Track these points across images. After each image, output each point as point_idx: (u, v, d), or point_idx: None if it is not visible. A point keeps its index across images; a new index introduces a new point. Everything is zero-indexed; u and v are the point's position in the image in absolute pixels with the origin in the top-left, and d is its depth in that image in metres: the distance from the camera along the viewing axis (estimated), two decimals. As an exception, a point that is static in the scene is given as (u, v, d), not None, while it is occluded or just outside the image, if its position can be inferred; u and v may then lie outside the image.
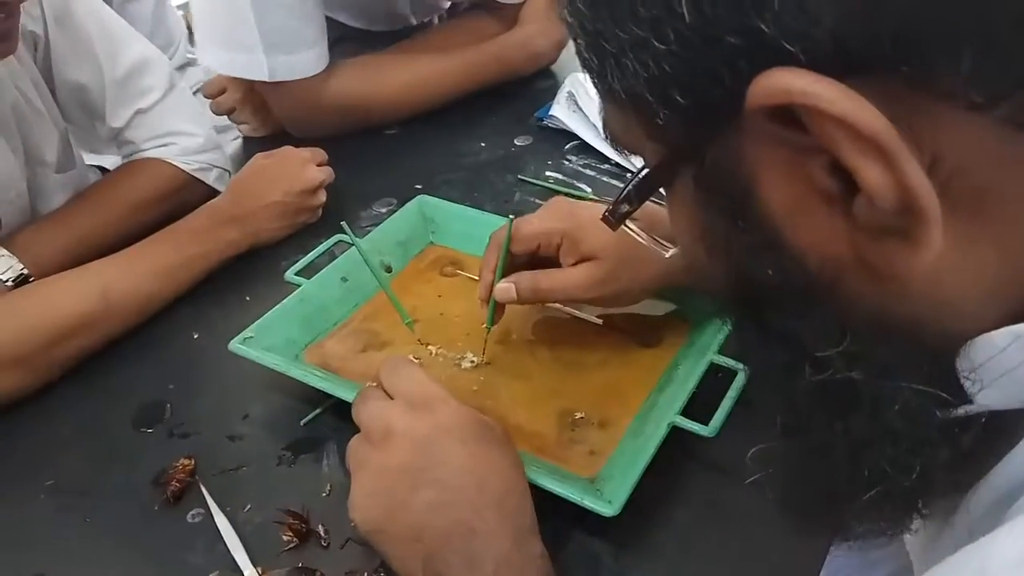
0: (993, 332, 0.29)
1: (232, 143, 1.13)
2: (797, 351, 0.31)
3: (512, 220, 0.67)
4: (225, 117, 1.12)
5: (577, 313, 0.73)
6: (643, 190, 0.36)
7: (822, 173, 0.27)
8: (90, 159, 1.03)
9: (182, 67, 1.36)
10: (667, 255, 0.46)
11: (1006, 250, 0.28)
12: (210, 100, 1.11)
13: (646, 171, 0.35)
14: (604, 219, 0.40)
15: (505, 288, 0.66)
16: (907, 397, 0.30)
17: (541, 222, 0.68)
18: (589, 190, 0.95)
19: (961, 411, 0.31)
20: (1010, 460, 0.31)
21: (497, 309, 0.69)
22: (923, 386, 0.30)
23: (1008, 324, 0.29)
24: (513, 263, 0.68)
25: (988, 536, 0.27)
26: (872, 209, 0.27)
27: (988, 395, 0.30)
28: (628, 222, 0.41)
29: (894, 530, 0.35)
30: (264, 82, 1.03)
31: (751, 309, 0.33)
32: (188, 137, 0.93)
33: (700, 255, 0.34)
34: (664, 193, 0.35)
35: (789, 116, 0.26)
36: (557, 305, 0.74)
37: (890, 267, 0.28)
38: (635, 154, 0.36)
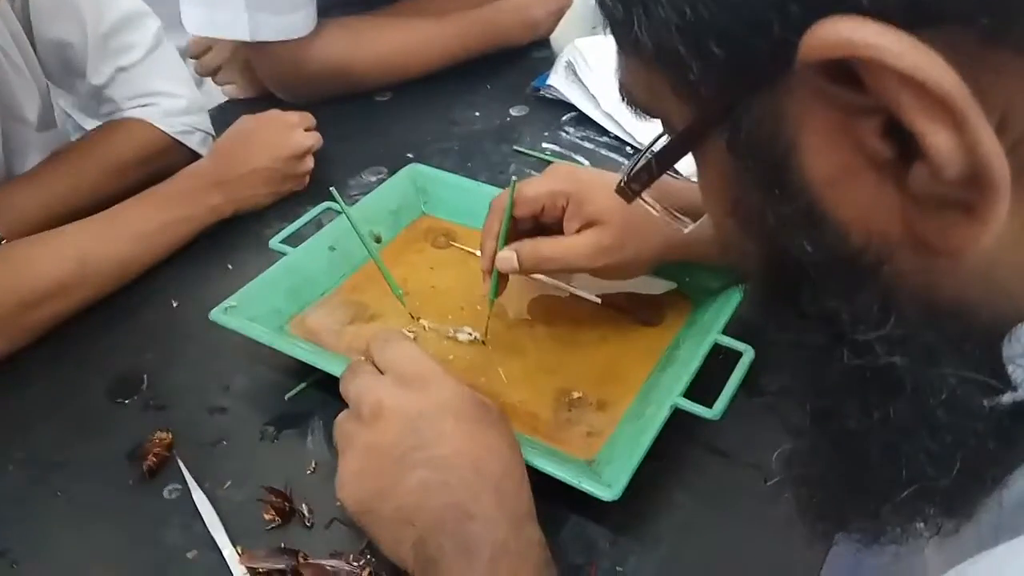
0: None
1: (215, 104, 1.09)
2: (835, 334, 0.28)
3: (515, 183, 0.64)
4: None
5: (575, 290, 0.71)
6: (666, 157, 0.33)
7: (874, 137, 0.25)
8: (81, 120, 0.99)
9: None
10: (685, 231, 0.43)
11: None
12: (194, 60, 1.07)
13: (670, 136, 0.32)
14: (619, 190, 0.37)
15: (507, 256, 0.63)
16: (952, 385, 0.28)
17: (545, 183, 0.65)
18: (587, 163, 0.92)
19: (1007, 399, 0.28)
20: None
21: (500, 281, 0.66)
22: (970, 373, 0.28)
23: None
24: (515, 230, 0.65)
25: (1019, 539, 0.25)
26: (932, 178, 0.24)
27: None
28: (646, 196, 0.38)
29: (929, 531, 0.32)
30: (248, 43, 0.99)
31: (785, 288, 0.30)
32: (171, 98, 0.89)
33: (731, 229, 0.31)
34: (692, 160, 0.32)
35: (843, 72, 0.24)
36: (555, 282, 0.71)
37: (946, 243, 0.25)
38: (657, 117, 0.32)
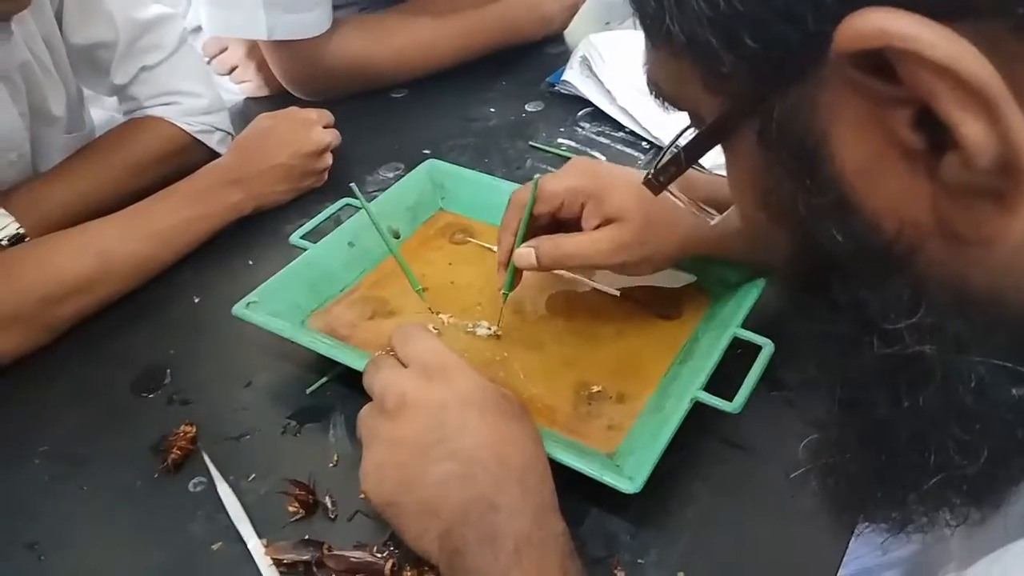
0: None
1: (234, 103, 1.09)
2: (865, 323, 0.29)
3: (538, 180, 0.64)
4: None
5: (594, 284, 0.71)
6: (695, 150, 0.33)
7: (906, 128, 0.25)
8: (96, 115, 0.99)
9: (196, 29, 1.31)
10: (712, 222, 0.43)
11: None
12: (211, 59, 1.07)
13: (698, 128, 0.32)
14: (646, 182, 0.37)
15: (525, 253, 0.63)
16: (981, 373, 0.28)
17: (565, 179, 0.64)
18: (603, 158, 0.92)
19: None
20: None
21: (516, 275, 0.66)
22: (999, 361, 0.28)
23: None
24: (533, 226, 0.65)
25: None
26: (965, 168, 0.24)
27: None
28: (673, 189, 0.38)
29: (956, 521, 0.32)
30: (266, 42, 0.99)
31: (816, 278, 0.30)
32: (193, 97, 0.90)
33: (761, 221, 0.31)
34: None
35: (877, 63, 0.24)
36: (573, 275, 0.72)
37: (977, 232, 0.25)
38: (685, 110, 0.33)
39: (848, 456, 0.34)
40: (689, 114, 0.32)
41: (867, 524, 0.35)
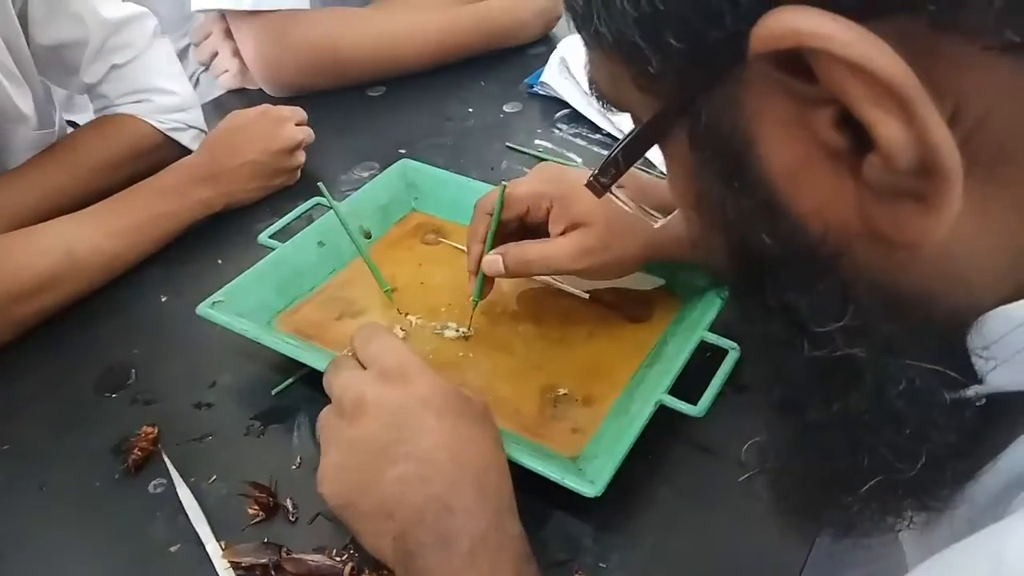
0: (1010, 305, 0.27)
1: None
2: (796, 325, 0.28)
3: (505, 187, 0.64)
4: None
5: (564, 286, 0.71)
6: (632, 151, 0.33)
7: (828, 128, 0.25)
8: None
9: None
10: (656, 225, 0.43)
11: None
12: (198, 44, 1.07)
13: (636, 130, 0.32)
14: (589, 184, 0.37)
15: (492, 260, 0.63)
16: (912, 376, 0.28)
17: (530, 185, 0.65)
18: (579, 160, 0.92)
19: (971, 392, 0.28)
20: (1018, 446, 0.28)
21: (486, 282, 0.66)
22: (930, 364, 0.27)
23: None
24: (501, 232, 0.65)
25: (1002, 522, 0.25)
26: (885, 168, 0.24)
27: (1001, 375, 0.27)
28: (615, 190, 0.38)
29: (897, 524, 0.32)
30: (236, 16, 0.99)
31: (749, 281, 0.30)
32: (165, 95, 0.89)
33: (697, 223, 0.31)
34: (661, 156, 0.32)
35: (796, 62, 0.24)
36: (544, 278, 0.71)
37: (901, 234, 0.25)
38: (624, 111, 0.32)
39: (790, 459, 0.33)
40: (631, 115, 0.32)
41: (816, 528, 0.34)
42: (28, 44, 0.81)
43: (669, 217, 0.40)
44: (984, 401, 0.28)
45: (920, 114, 0.22)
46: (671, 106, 0.28)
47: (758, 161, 0.26)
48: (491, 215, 0.65)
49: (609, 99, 0.32)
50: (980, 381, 0.28)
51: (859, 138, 0.24)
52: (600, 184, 0.36)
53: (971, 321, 0.27)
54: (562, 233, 0.63)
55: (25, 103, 0.81)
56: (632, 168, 0.34)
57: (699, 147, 0.28)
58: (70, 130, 0.93)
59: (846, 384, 0.28)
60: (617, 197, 0.39)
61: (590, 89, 0.33)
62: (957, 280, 0.27)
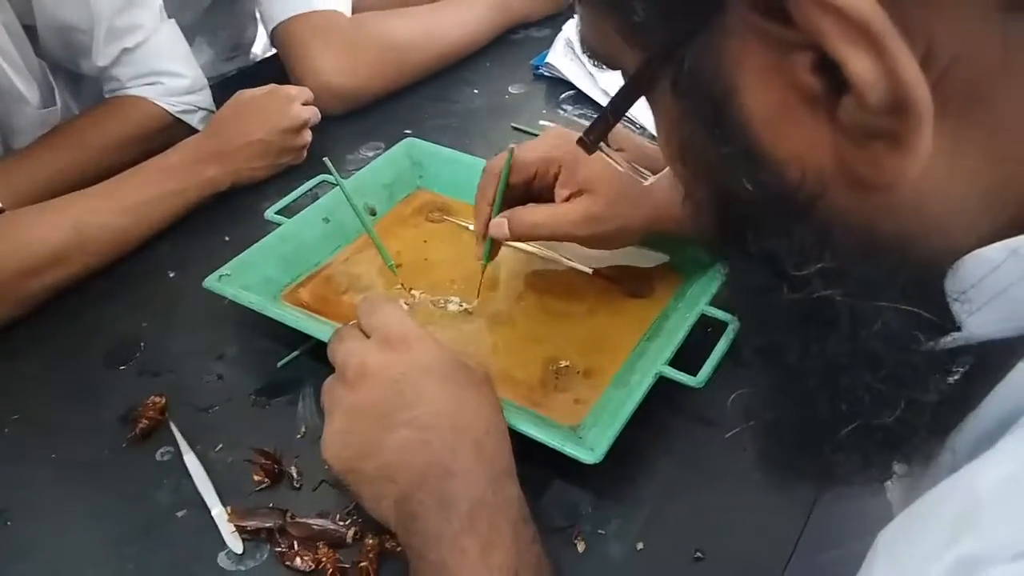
0: (986, 247, 0.27)
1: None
2: (776, 271, 0.29)
3: (512, 150, 0.64)
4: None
5: (567, 261, 0.71)
6: (619, 104, 0.34)
7: (806, 72, 0.25)
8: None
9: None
10: (646, 183, 0.43)
11: (999, 154, 0.26)
12: None
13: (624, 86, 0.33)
14: (580, 141, 0.38)
15: (498, 223, 0.64)
16: (888, 318, 0.28)
17: (540, 148, 0.64)
18: (583, 140, 0.92)
19: (949, 339, 0.29)
20: (996, 396, 0.29)
21: (493, 244, 0.66)
22: (906, 306, 0.28)
23: (1003, 238, 0.27)
24: (507, 197, 0.65)
25: (976, 460, 0.26)
26: (859, 109, 0.24)
27: (980, 320, 0.28)
28: (608, 149, 0.39)
29: (880, 475, 0.33)
30: (307, 29, 0.97)
31: (731, 230, 0.31)
32: (175, 77, 0.90)
33: (682, 173, 0.31)
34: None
35: (774, 7, 0.24)
36: (547, 253, 0.72)
37: (876, 176, 0.26)
38: (614, 68, 0.33)
39: (771, 409, 0.34)
40: (621, 73, 0.32)
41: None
42: (34, 24, 0.82)
43: (658, 176, 0.41)
44: (971, 354, 0.29)
45: (890, 50, 0.23)
46: (655, 56, 0.29)
47: (738, 108, 0.27)
48: (500, 177, 0.65)
49: (599, 55, 0.32)
50: (958, 328, 0.28)
51: (835, 82, 0.24)
52: (590, 140, 0.37)
53: (948, 266, 0.28)
54: (568, 198, 0.63)
55: (24, 83, 0.82)
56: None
57: (682, 95, 0.29)
58: (75, 110, 0.94)
59: (824, 326, 0.29)
60: (606, 153, 0.39)
61: (581, 47, 0.33)
62: (932, 223, 0.27)
